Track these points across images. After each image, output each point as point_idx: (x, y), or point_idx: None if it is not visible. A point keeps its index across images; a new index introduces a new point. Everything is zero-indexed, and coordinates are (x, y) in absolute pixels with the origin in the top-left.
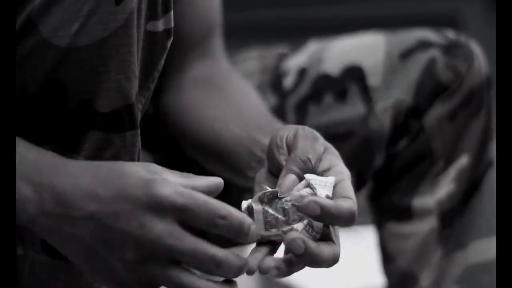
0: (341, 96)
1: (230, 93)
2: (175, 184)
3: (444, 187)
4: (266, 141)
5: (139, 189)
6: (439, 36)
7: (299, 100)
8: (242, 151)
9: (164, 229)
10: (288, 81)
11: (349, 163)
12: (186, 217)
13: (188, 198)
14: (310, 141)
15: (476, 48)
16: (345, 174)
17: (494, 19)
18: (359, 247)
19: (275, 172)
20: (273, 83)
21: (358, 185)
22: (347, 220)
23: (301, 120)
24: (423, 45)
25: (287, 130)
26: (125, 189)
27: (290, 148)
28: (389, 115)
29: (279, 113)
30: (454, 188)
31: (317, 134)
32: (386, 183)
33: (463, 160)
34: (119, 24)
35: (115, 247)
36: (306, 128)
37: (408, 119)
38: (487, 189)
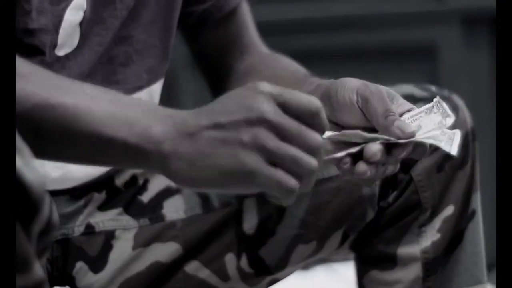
0: None
1: (271, 68)
2: None
3: (430, 237)
4: None
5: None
6: (423, 91)
7: None
8: None
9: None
10: None
11: (340, 219)
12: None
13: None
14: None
15: (459, 101)
16: None
17: (470, 47)
18: (336, 283)
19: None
20: None
21: (343, 237)
22: None
23: None
24: (410, 100)
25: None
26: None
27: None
28: None
29: None
30: (439, 237)
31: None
32: (372, 233)
33: (449, 211)
34: None
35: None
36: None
37: (397, 172)
38: (470, 239)
